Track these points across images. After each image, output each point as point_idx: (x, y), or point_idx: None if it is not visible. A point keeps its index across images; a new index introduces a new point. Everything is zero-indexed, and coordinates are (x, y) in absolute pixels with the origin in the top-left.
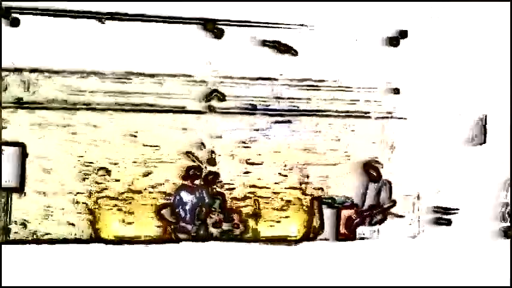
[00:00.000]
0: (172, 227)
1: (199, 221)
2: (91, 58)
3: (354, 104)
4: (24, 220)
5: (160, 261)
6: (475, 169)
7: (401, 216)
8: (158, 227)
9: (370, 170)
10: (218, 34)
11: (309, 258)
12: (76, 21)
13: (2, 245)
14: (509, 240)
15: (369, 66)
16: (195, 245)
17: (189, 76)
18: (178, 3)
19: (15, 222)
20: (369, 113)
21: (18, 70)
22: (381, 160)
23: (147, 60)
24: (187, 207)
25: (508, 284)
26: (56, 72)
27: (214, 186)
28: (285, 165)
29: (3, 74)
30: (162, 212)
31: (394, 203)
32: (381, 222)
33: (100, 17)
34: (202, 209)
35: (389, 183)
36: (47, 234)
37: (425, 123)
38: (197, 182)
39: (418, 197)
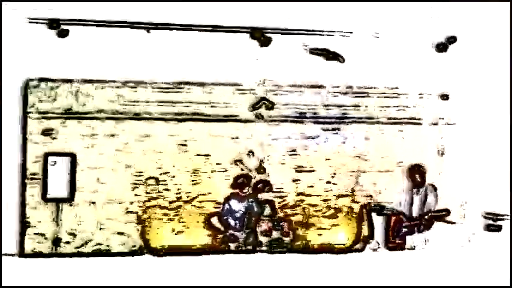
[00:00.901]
0: (221, 235)
1: (248, 229)
2: (141, 68)
3: (403, 110)
4: (74, 230)
5: (211, 271)
6: None
7: (452, 223)
8: (208, 235)
9: (415, 174)
10: (265, 42)
11: (359, 268)
12: (125, 31)
13: (52, 257)
14: None
15: (418, 72)
16: (245, 255)
17: (238, 85)
18: (224, 12)
19: (66, 232)
20: (418, 119)
21: (67, 81)
22: (430, 166)
23: (197, 70)
24: (236, 216)
25: (508, 284)
26: (106, 82)
27: (264, 195)
28: (334, 173)
29: (55, 85)
30: (211, 220)
31: (447, 212)
32: (428, 228)
33: (149, 27)
34: (252, 217)
35: (435, 188)
36: (97, 244)
37: (474, 129)
38: (246, 190)
39: (467, 203)
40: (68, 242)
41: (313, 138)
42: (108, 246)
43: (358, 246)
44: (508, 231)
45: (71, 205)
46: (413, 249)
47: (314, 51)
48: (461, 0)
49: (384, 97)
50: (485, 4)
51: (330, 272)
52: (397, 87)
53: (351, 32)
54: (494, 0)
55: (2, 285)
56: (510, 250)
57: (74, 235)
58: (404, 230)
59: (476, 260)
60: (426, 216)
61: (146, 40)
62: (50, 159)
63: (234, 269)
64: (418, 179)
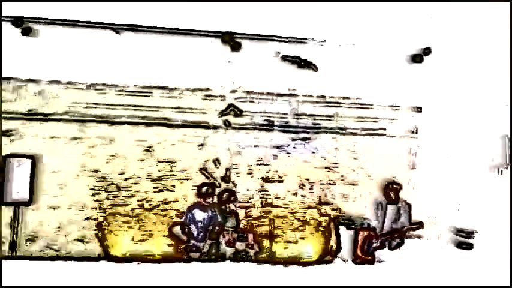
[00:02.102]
0: (183, 246)
1: (211, 240)
2: (108, 71)
3: (376, 122)
4: (33, 235)
5: (170, 281)
6: (498, 191)
7: (420, 237)
8: (169, 245)
9: (390, 191)
10: (236, 47)
11: (325, 281)
12: (94, 33)
13: (9, 260)
14: None
15: (392, 83)
16: (207, 265)
17: (207, 90)
18: (196, 16)
19: (24, 237)
20: (391, 131)
21: (32, 81)
22: (401, 180)
23: (166, 74)
24: (199, 225)
25: (508, 284)
26: (72, 84)
27: (229, 205)
28: (303, 184)
29: (17, 84)
30: (173, 229)
31: (420, 224)
32: (399, 245)
33: (117, 28)
34: (215, 228)
35: (409, 205)
36: (56, 250)
37: (447, 143)
38: (210, 199)
39: (437, 219)
40: (26, 246)
41: (282, 148)
42: (67, 251)
43: (325, 259)
44: (480, 248)
45: (30, 209)
46: (380, 263)
47: (286, 59)
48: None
49: (357, 108)
50: (461, 14)
51: (296, 284)
52: (370, 98)
53: (325, 41)
54: (493, 0)
55: None
56: (510, 250)
57: (33, 240)
58: (373, 245)
59: (444, 276)
60: (396, 234)
61: (115, 42)
62: (11, 161)
63: (196, 278)
64: (393, 196)
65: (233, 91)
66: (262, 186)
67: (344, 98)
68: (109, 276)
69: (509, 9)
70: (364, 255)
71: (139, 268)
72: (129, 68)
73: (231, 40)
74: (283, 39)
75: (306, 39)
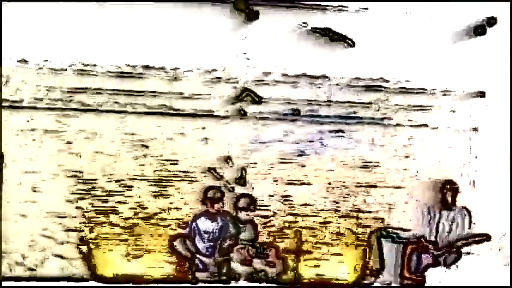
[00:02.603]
0: (187, 263)
1: (222, 257)
2: (91, 49)
3: (426, 110)
4: (3, 252)
5: None
6: None
7: (469, 253)
8: (170, 263)
9: (445, 194)
10: (252, 16)
11: None
12: (72, 5)
13: None
14: None
15: (447, 63)
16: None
17: (214, 71)
18: None
19: None
20: (444, 122)
21: None
22: (458, 183)
23: (162, 51)
24: (206, 238)
25: (508, 284)
26: (47, 65)
27: (244, 213)
28: (336, 188)
29: None
30: (175, 243)
31: (487, 237)
32: (456, 261)
33: None
34: (226, 241)
35: (468, 212)
36: (30, 269)
37: None
38: (220, 206)
39: (503, 233)
40: None
41: (309, 143)
42: (42, 270)
43: (365, 281)
44: None
45: None
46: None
47: (315, 32)
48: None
49: (403, 93)
50: None
51: None
52: (419, 81)
53: (366, 9)
54: (494, 0)
55: None
56: (510, 250)
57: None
58: (425, 262)
59: None
60: (456, 244)
61: (97, 14)
62: None
63: None
64: (449, 199)
65: (249, 72)
66: (286, 191)
67: (386, 81)
68: None
69: None
70: (413, 275)
71: None
72: (118, 44)
73: (246, 8)
74: (311, 7)
75: (340, 6)
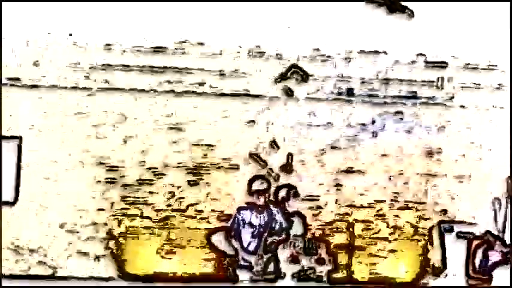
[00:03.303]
0: (228, 260)
1: (268, 253)
2: (116, 21)
3: (499, 89)
4: (18, 246)
5: None
6: None
7: None
8: (208, 260)
9: None
10: None
11: None
12: None
13: None
14: None
15: None
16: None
17: (258, 47)
18: None
19: (5, 249)
20: None
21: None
22: None
23: (197, 24)
24: (251, 233)
25: (508, 284)
26: (70, 39)
27: (291, 204)
28: (394, 177)
29: None
30: (213, 238)
31: None
32: None
33: None
34: (273, 236)
35: None
36: (51, 268)
37: None
38: (266, 197)
39: None
40: (7, 262)
41: (365, 126)
42: (64, 268)
43: (424, 280)
44: None
45: (14, 211)
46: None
47: (371, 1)
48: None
49: (470, 70)
50: None
51: None
52: (491, 57)
53: None
54: (495, 0)
55: None
56: (510, 251)
57: (18, 252)
58: (493, 259)
59: None
60: None
61: None
62: None
63: None
64: None
65: (296, 47)
66: (337, 180)
67: (453, 56)
68: None
69: None
70: (479, 274)
71: None
72: (151, 17)
73: None
74: None
75: None
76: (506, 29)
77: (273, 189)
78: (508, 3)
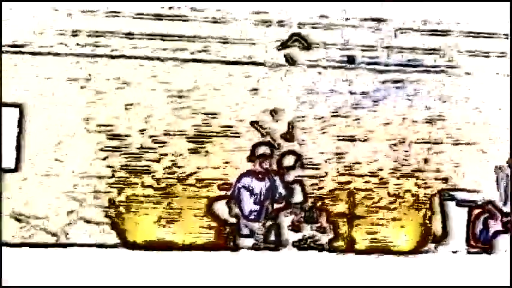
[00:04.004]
0: (229, 229)
1: (269, 220)
2: None
3: (503, 56)
4: (20, 214)
5: (211, 277)
6: None
7: None
8: (210, 228)
9: None
10: None
11: (425, 279)
12: None
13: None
14: None
15: None
16: (262, 255)
17: (261, 13)
18: None
19: (8, 217)
20: None
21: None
22: None
23: None
24: (253, 200)
25: (508, 284)
26: (73, 7)
27: (293, 172)
28: (396, 145)
29: None
30: (215, 207)
31: None
32: None
33: None
34: (274, 204)
35: None
36: (53, 235)
37: None
38: (268, 165)
39: None
40: (11, 229)
41: (367, 94)
42: (68, 236)
43: (426, 248)
44: None
45: (17, 178)
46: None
47: None
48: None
49: (474, 37)
50: None
51: (387, 280)
52: (493, 25)
53: None
54: (495, 0)
55: None
56: (510, 251)
57: (20, 220)
58: (495, 227)
59: None
60: None
61: None
62: None
63: (247, 273)
64: None
65: (298, 14)
66: (339, 148)
67: (456, 23)
68: (127, 269)
69: None
70: (480, 243)
71: (168, 259)
72: None
73: None
74: None
75: None
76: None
77: (275, 156)
78: (508, 3)
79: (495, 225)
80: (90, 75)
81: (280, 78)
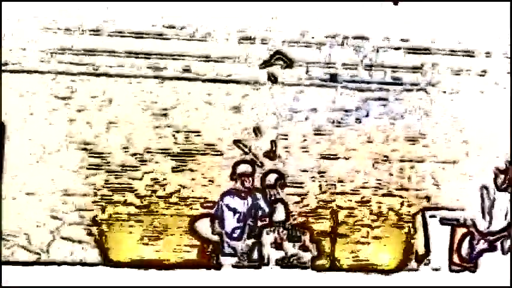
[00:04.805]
0: (212, 247)
1: (252, 238)
2: (103, 5)
3: (483, 75)
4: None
5: None
6: None
7: None
8: (192, 246)
9: (501, 174)
10: None
11: None
12: None
13: None
14: None
15: (504, 24)
16: (245, 273)
17: (243, 31)
18: None
19: None
20: (504, 88)
21: None
22: None
23: (184, 8)
24: (235, 219)
25: (508, 284)
26: (56, 26)
27: (275, 191)
28: (378, 163)
29: None
30: (198, 225)
31: None
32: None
33: None
34: (257, 222)
35: None
36: (35, 253)
37: None
38: (250, 183)
39: None
40: None
41: (349, 112)
42: (48, 254)
43: (408, 266)
44: None
45: (1, 195)
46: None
47: None
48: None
49: (454, 56)
50: None
51: None
52: (474, 43)
53: None
54: (495, 0)
55: None
56: (510, 251)
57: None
58: (477, 247)
59: None
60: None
61: None
62: None
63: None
64: (502, 179)
65: (280, 32)
66: (321, 166)
67: (435, 42)
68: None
69: None
70: (464, 261)
71: (150, 277)
72: (137, 2)
73: None
74: None
75: None
76: (489, 15)
77: (258, 174)
78: (508, 3)
79: (480, 244)
80: (73, 91)
81: (263, 96)
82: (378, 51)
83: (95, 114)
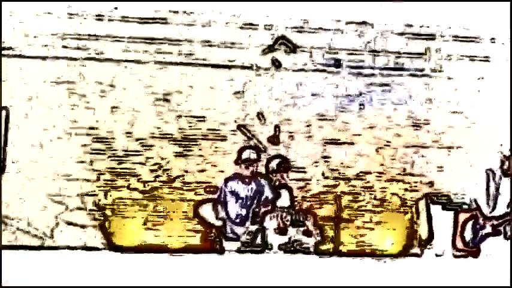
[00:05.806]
0: (215, 232)
1: (255, 224)
2: None
3: (487, 61)
4: (4, 216)
5: (196, 279)
6: None
7: None
8: (196, 231)
9: (505, 160)
10: None
11: (411, 282)
12: None
13: None
14: None
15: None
16: (248, 258)
17: (246, 16)
18: None
19: None
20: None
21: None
22: None
23: None
24: (239, 204)
25: (508, 284)
26: (59, 10)
27: (279, 176)
28: (382, 148)
29: None
30: (201, 210)
31: None
32: None
33: None
34: (261, 207)
35: None
36: (38, 238)
37: None
38: (255, 168)
39: None
40: None
41: (352, 98)
42: (52, 239)
43: (412, 251)
44: None
45: (4, 180)
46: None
47: None
48: None
49: (460, 41)
50: None
51: (372, 280)
52: (479, 29)
53: None
54: (495, 0)
55: None
56: (510, 251)
57: (4, 223)
58: (481, 232)
59: None
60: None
61: None
62: None
63: (232, 275)
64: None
65: (284, 18)
66: (325, 151)
67: (439, 27)
68: (113, 272)
69: None
70: (467, 246)
71: (154, 262)
72: None
73: None
74: None
75: None
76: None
77: (263, 161)
78: (508, 3)
79: (484, 229)
80: (82, 75)
81: (266, 81)
82: (382, 36)
83: (98, 100)
